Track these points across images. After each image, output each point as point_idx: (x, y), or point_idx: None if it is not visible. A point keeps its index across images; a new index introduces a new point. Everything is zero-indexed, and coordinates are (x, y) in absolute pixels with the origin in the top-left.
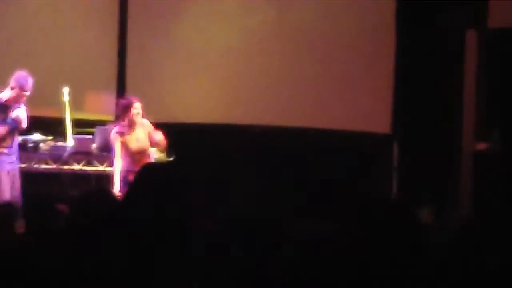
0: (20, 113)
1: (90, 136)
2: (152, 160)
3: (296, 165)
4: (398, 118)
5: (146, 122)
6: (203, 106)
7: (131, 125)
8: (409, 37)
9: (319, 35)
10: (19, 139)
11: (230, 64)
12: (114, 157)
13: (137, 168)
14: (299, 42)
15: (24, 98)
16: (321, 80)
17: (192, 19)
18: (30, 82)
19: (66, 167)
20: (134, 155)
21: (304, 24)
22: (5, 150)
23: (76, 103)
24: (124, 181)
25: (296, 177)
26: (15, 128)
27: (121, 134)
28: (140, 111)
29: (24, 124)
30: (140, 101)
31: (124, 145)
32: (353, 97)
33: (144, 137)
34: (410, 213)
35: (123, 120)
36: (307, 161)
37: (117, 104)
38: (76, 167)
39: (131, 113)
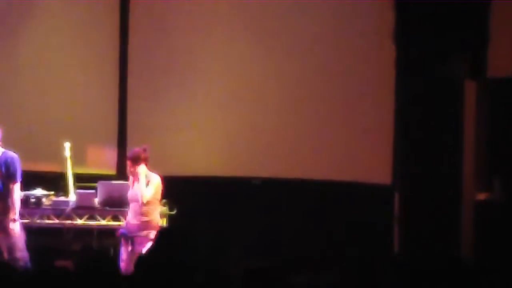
0: None
1: (92, 191)
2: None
3: (296, 216)
4: (398, 169)
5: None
6: (204, 159)
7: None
8: (408, 88)
9: (318, 86)
10: (17, 195)
11: (230, 116)
12: None
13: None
14: (299, 94)
15: None
16: (321, 132)
17: (192, 72)
18: None
19: (68, 221)
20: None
21: (304, 75)
22: None
23: (77, 158)
24: None
25: (296, 228)
26: None
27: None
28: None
29: None
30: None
31: None
32: (353, 148)
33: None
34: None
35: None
36: (308, 213)
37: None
38: (79, 221)
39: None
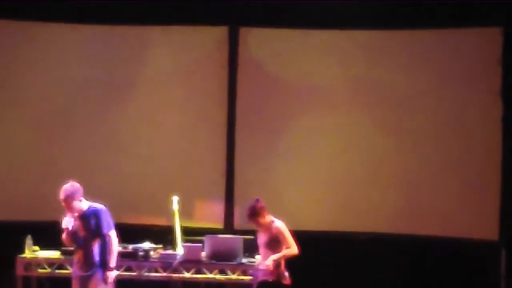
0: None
1: (200, 245)
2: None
3: (402, 272)
4: (505, 225)
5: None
6: (311, 214)
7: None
8: None
9: (423, 142)
10: (115, 245)
11: (337, 172)
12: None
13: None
14: (404, 150)
15: (65, 208)
16: (427, 188)
17: (299, 128)
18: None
19: (175, 275)
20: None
21: (410, 129)
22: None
23: (185, 212)
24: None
25: (402, 284)
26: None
27: None
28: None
29: (65, 233)
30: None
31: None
32: (459, 204)
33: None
34: None
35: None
36: (413, 268)
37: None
38: (186, 275)
39: None
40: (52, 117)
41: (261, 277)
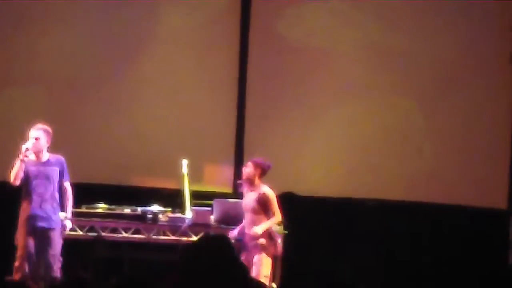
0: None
1: (209, 208)
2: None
3: (409, 238)
4: None
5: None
6: (321, 179)
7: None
8: None
9: (432, 110)
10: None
11: (347, 138)
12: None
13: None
14: (414, 118)
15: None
16: (436, 156)
17: (311, 93)
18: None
19: (184, 238)
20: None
21: (420, 100)
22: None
23: (194, 175)
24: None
25: (408, 251)
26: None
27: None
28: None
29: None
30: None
31: None
32: (469, 172)
33: (250, 201)
34: None
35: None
36: (421, 236)
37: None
38: (194, 238)
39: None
40: (61, 77)
41: (249, 241)
